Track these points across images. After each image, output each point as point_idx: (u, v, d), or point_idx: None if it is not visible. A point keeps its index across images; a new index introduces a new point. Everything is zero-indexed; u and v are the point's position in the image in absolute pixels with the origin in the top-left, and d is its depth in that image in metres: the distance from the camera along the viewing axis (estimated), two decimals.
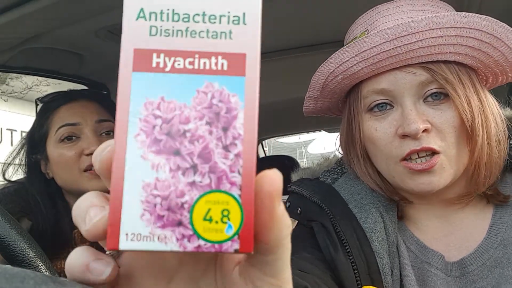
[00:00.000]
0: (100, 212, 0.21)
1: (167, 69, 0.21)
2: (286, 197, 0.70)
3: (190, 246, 0.20)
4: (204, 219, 0.20)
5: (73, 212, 0.22)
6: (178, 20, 0.22)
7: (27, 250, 0.56)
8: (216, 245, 0.20)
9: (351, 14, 0.64)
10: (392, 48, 0.51)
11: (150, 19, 0.22)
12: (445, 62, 0.53)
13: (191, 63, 0.21)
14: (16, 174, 0.98)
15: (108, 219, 0.20)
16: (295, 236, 0.63)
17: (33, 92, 7.91)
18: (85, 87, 1.23)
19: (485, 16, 0.50)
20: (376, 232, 0.56)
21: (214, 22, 0.22)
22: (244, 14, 0.22)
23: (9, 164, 0.97)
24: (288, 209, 0.67)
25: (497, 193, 0.57)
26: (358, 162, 0.61)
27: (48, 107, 0.96)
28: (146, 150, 0.21)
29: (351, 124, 0.61)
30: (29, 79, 7.64)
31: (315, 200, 0.61)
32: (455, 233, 0.58)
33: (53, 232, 0.89)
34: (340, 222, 0.57)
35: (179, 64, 0.21)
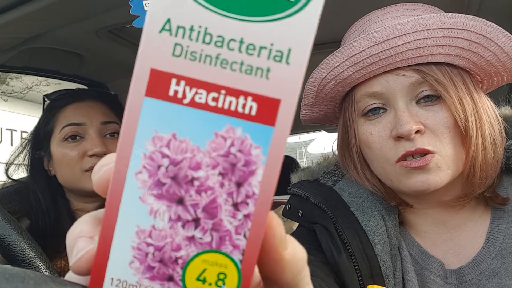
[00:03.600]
0: (86, 245, 0.19)
1: (186, 101, 0.18)
2: (287, 197, 0.70)
3: None
4: (198, 279, 0.18)
5: (66, 240, 0.20)
6: (209, 43, 0.18)
7: (27, 250, 0.56)
8: None
9: (350, 14, 0.64)
10: (381, 51, 0.51)
11: (176, 35, 0.18)
12: (436, 64, 0.53)
13: (215, 99, 0.18)
14: (17, 172, 0.98)
15: (94, 259, 0.18)
16: (297, 238, 0.63)
17: (33, 92, 7.85)
18: (85, 87, 1.23)
19: (472, 16, 0.50)
20: (378, 235, 0.56)
21: (252, 54, 0.18)
22: (289, 50, 0.18)
23: (12, 162, 0.97)
24: (289, 211, 0.67)
25: (496, 195, 0.57)
26: (355, 167, 0.61)
27: (54, 104, 0.95)
28: (146, 192, 0.18)
29: (346, 130, 0.61)
30: (29, 79, 7.57)
31: (317, 203, 0.61)
32: (454, 240, 0.59)
33: (53, 230, 0.89)
34: (343, 225, 0.57)
35: (200, 98, 0.18)
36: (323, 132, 2.37)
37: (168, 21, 0.18)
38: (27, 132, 1.01)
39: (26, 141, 0.98)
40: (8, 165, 0.96)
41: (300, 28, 0.18)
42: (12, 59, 0.99)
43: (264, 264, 0.19)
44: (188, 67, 0.18)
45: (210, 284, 0.18)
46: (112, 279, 0.18)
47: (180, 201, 0.18)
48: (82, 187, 0.90)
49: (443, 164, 0.52)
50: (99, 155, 0.89)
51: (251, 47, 0.18)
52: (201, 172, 0.18)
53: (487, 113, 0.54)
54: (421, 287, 0.56)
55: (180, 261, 0.19)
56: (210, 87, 0.18)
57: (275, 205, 1.60)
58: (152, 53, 0.18)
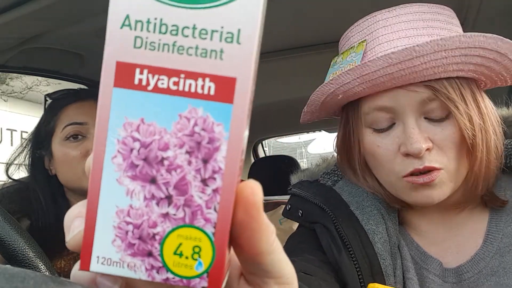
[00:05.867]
0: (81, 224, 0.21)
1: (150, 87, 0.19)
2: (287, 197, 0.70)
3: (159, 277, 0.20)
4: (175, 253, 0.20)
5: (64, 221, 0.22)
6: (165, 32, 0.19)
7: (27, 250, 0.56)
8: (185, 280, 0.20)
9: (351, 14, 0.64)
10: (396, 71, 0.50)
11: (135, 29, 0.19)
12: (447, 78, 0.52)
13: (176, 83, 0.19)
14: (18, 172, 0.98)
15: (82, 240, 0.20)
16: (298, 238, 0.64)
17: (33, 92, 7.89)
18: (85, 87, 1.23)
19: (490, 34, 0.49)
20: (378, 233, 0.56)
21: (205, 38, 0.19)
22: (239, 31, 0.19)
23: (12, 162, 0.97)
24: (289, 211, 0.67)
25: (494, 198, 0.57)
26: (355, 173, 0.61)
27: (56, 104, 0.96)
28: (122, 174, 0.20)
29: (349, 137, 0.61)
30: (29, 79, 7.60)
31: (316, 202, 0.61)
32: (452, 239, 0.59)
33: (53, 231, 0.89)
34: (343, 224, 0.57)
35: (162, 84, 0.19)
36: (323, 132, 2.37)
37: (127, 17, 0.19)
38: (27, 132, 1.01)
39: (27, 140, 0.98)
40: (8, 165, 0.96)
41: (247, 9, 0.19)
42: (12, 59, 0.99)
43: (243, 226, 0.20)
44: (149, 56, 0.19)
45: (186, 258, 0.20)
46: (98, 257, 0.20)
47: (153, 181, 0.20)
48: (83, 186, 0.89)
49: (447, 179, 0.53)
50: None
51: (203, 31, 0.19)
52: (169, 152, 0.20)
53: (492, 122, 0.54)
54: (421, 286, 0.56)
55: (157, 237, 0.20)
56: (170, 72, 0.19)
57: (275, 205, 1.60)
58: (116, 47, 0.20)
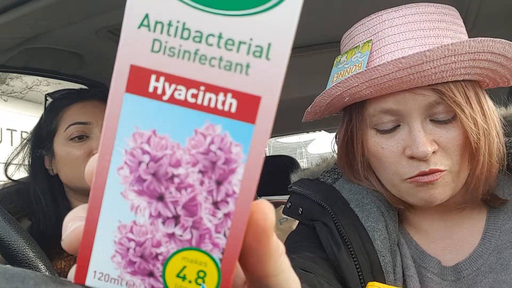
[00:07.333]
0: (75, 224, 0.19)
1: (165, 97, 0.18)
2: (287, 197, 0.70)
3: None
4: (178, 275, 0.18)
5: (63, 224, 0.21)
6: (188, 38, 0.17)
7: (27, 250, 0.56)
8: None
9: (352, 14, 0.63)
10: (405, 75, 0.50)
11: (154, 30, 0.17)
12: (454, 81, 0.52)
13: (194, 95, 0.18)
14: (18, 172, 0.98)
15: (78, 253, 0.19)
16: (297, 236, 0.64)
17: (33, 92, 7.87)
18: (85, 87, 1.24)
19: (498, 39, 0.50)
20: (378, 230, 0.57)
21: (231, 50, 0.17)
22: (269, 45, 0.17)
23: (11, 162, 0.97)
24: (289, 209, 0.67)
25: (495, 198, 0.58)
26: (356, 173, 0.61)
27: (58, 103, 0.94)
28: (127, 187, 0.18)
29: (351, 137, 0.60)
30: (29, 79, 7.56)
31: (316, 200, 0.61)
32: (452, 237, 0.59)
33: (54, 231, 0.89)
34: (342, 221, 0.57)
35: (179, 94, 0.18)
36: (323, 132, 2.37)
37: (147, 16, 0.17)
38: (27, 132, 1.00)
39: (26, 140, 0.98)
40: (7, 165, 0.96)
41: (281, 22, 0.17)
42: (12, 59, 0.99)
43: (251, 251, 0.19)
44: (167, 63, 0.18)
45: (190, 282, 0.18)
46: (95, 272, 0.19)
47: (161, 198, 0.18)
48: (87, 186, 0.89)
49: (450, 180, 0.53)
50: None
51: (229, 42, 0.17)
52: (181, 169, 0.18)
53: (494, 122, 0.54)
54: (420, 284, 0.57)
55: (160, 257, 0.19)
56: (189, 83, 0.18)
57: (275, 205, 1.60)
58: (131, 49, 0.18)
